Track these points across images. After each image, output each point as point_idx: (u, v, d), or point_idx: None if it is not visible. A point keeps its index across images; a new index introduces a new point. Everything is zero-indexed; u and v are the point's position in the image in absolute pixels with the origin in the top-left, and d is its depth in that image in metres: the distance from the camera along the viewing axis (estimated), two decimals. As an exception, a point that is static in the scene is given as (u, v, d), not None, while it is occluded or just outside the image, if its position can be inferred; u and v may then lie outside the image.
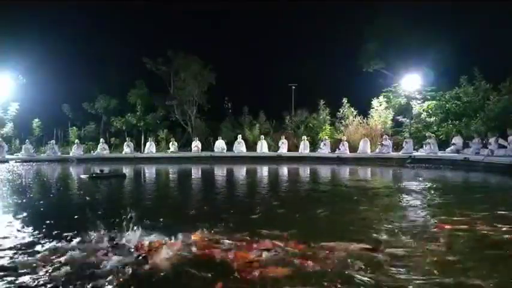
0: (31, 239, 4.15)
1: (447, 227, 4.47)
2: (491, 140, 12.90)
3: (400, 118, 18.26)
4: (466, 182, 10.05)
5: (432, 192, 7.60)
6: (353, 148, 16.51)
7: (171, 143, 18.75)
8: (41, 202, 6.87)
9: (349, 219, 5.07)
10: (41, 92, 19.85)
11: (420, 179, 10.06)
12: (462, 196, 7.43)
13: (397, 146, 16.28)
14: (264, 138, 18.23)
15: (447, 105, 16.85)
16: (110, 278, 2.98)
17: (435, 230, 4.40)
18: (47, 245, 3.85)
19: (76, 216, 5.29)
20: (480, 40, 17.18)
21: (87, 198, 7.39)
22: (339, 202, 6.74)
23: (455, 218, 4.91)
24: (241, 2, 22.87)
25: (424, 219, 5.02)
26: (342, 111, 19.01)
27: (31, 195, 7.80)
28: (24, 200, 6.90)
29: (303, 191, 8.42)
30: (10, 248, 3.81)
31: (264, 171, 13.37)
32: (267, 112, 20.86)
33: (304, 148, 17.26)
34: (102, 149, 18.47)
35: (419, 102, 17.94)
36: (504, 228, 4.36)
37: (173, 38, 21.71)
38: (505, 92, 14.94)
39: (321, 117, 19.44)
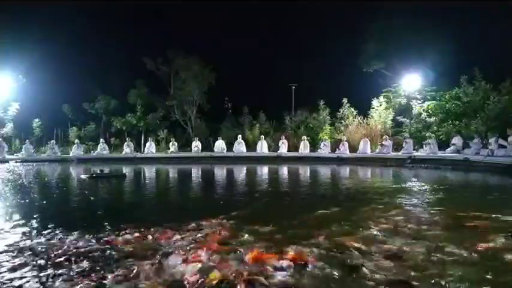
0: (42, 239, 4.15)
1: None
2: (491, 140, 12.88)
3: (400, 118, 18.25)
4: (466, 182, 10.05)
5: (431, 192, 7.61)
6: (353, 148, 16.51)
7: (171, 143, 18.75)
8: (44, 202, 6.89)
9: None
10: (41, 92, 19.89)
11: (416, 179, 10.06)
12: (461, 196, 7.43)
13: (397, 146, 16.28)
14: (264, 138, 18.22)
15: (447, 106, 16.85)
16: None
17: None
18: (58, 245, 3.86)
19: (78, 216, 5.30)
20: (480, 40, 17.20)
21: (91, 198, 7.43)
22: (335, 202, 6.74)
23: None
24: (241, 2, 22.91)
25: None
26: (342, 111, 19.01)
27: (34, 195, 7.80)
28: (27, 200, 6.90)
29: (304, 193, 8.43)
30: (22, 250, 3.81)
31: (264, 171, 13.38)
32: (267, 112, 20.88)
33: (304, 148, 17.26)
34: (102, 149, 18.47)
35: (419, 102, 17.94)
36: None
37: (173, 38, 21.78)
38: (505, 92, 14.95)
39: (321, 117, 19.44)
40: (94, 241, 3.97)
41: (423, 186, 8.46)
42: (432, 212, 5.47)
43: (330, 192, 8.31)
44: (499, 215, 5.02)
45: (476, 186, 9.29)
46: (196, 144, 18.42)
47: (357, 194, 7.64)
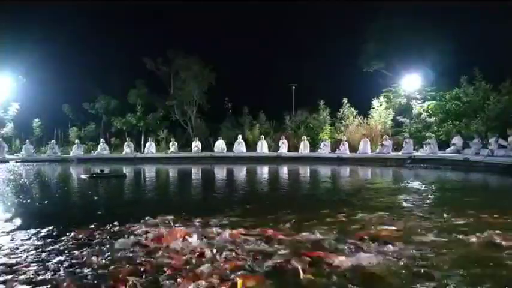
0: (42, 239, 4.15)
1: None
2: (491, 140, 12.88)
3: (400, 118, 18.24)
4: (466, 182, 10.06)
5: (429, 192, 7.61)
6: (353, 148, 16.50)
7: (171, 143, 18.74)
8: (46, 202, 6.89)
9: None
10: (41, 92, 19.85)
11: (407, 180, 10.06)
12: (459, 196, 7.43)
13: (397, 146, 16.27)
14: (264, 139, 18.21)
15: (447, 106, 16.83)
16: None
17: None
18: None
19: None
20: (480, 40, 17.18)
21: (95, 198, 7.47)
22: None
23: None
24: (241, 2, 22.90)
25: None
26: (342, 111, 18.98)
27: (36, 195, 7.81)
28: (29, 200, 6.91)
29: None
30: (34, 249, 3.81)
31: (263, 171, 13.38)
32: (267, 112, 20.84)
33: (304, 148, 17.25)
34: (102, 149, 18.46)
35: (419, 102, 17.92)
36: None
37: (173, 38, 21.75)
38: (505, 92, 14.94)
39: (321, 117, 19.40)
40: (93, 241, 3.98)
41: (410, 186, 8.45)
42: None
43: (325, 193, 8.31)
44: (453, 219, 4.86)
45: (474, 186, 9.29)
46: (196, 144, 18.42)
47: (349, 195, 7.64)
